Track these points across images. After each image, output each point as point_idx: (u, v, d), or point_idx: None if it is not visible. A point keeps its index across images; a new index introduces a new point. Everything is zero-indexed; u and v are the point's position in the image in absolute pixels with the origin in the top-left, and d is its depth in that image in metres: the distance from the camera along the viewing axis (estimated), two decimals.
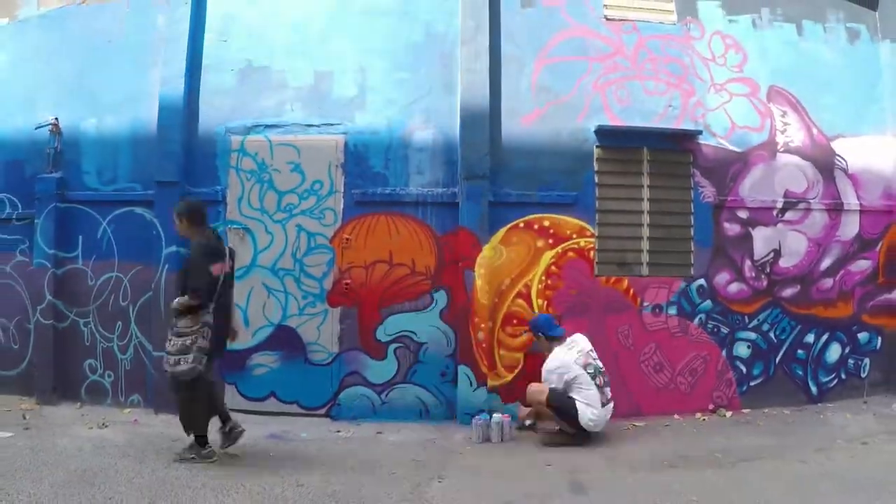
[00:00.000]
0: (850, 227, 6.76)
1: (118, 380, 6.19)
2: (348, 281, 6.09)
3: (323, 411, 6.04)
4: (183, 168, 6.04)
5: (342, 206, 6.13)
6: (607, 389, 5.46)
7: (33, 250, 6.20)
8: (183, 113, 6.06)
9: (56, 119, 6.24)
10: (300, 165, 6.13)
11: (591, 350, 5.56)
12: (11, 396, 6.19)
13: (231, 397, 6.01)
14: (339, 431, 5.67)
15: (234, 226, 6.06)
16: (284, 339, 6.05)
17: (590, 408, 5.30)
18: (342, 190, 6.14)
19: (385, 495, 4.17)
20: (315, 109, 6.21)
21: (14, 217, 6.35)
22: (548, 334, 5.61)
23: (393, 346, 6.11)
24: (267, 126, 6.19)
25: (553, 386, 5.36)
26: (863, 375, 6.71)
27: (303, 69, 6.21)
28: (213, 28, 6.26)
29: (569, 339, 5.58)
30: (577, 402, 5.30)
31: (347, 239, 6.11)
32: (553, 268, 6.35)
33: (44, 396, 6.08)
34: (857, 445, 5.31)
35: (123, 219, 6.20)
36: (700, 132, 6.54)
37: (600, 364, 5.51)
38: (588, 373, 5.38)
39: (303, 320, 6.06)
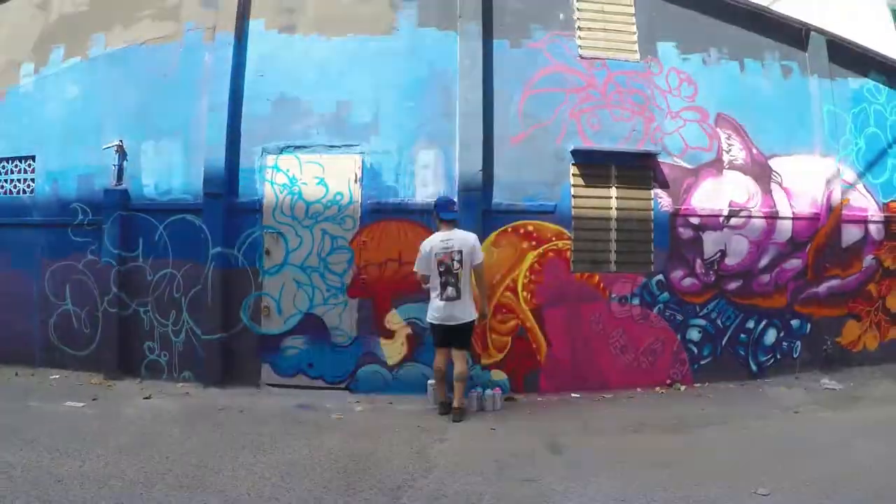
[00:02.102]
0: (783, 232, 6.76)
1: (172, 359, 6.12)
2: (364, 276, 6.08)
3: (343, 385, 6.03)
4: (227, 182, 6.01)
5: (359, 213, 6.11)
6: (450, 289, 5.09)
7: (101, 250, 6.17)
8: (227, 135, 6.03)
9: (121, 141, 6.24)
10: (324, 180, 6.12)
11: (460, 252, 5.11)
12: (83, 372, 6.20)
13: (267, 375, 6.00)
14: (357, 402, 5.65)
15: (270, 230, 6.04)
16: (312, 325, 6.04)
17: (431, 300, 5.16)
18: (360, 200, 6.12)
19: (395, 455, 4.17)
20: (337, 133, 6.19)
21: (85, 223, 6.34)
22: (439, 214, 5.30)
23: (404, 331, 6.08)
24: (296, 147, 6.17)
25: (416, 270, 5.26)
26: (794, 356, 6.71)
27: (326, 99, 6.20)
28: (252, 65, 6.24)
29: (454, 231, 5.22)
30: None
31: (364, 241, 6.11)
32: (536, 265, 6.34)
33: (110, 373, 6.07)
34: (791, 414, 5.32)
35: (177, 224, 6.14)
36: (658, 153, 6.53)
37: (457, 268, 5.11)
38: (439, 270, 5.08)
39: (327, 309, 6.05)
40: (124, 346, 6.13)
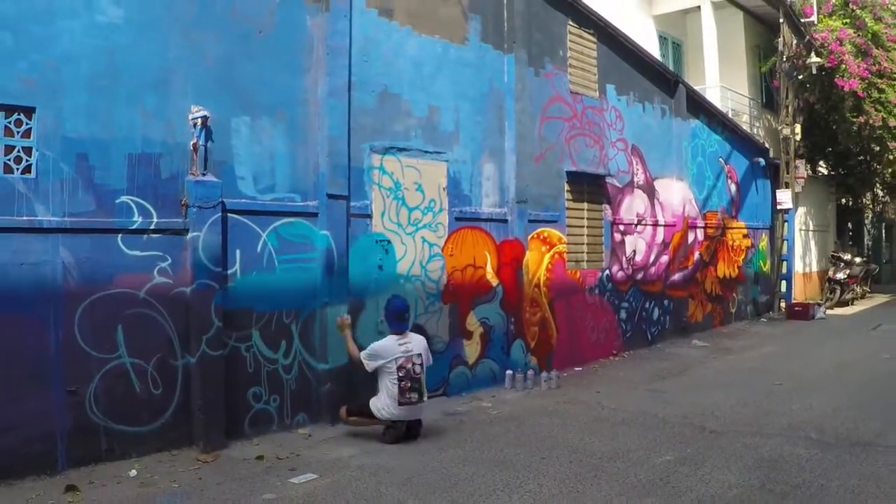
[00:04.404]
0: (660, 236, 10.55)
1: (284, 403, 5.85)
2: (452, 282, 7.10)
3: (441, 391, 6.99)
4: (348, 181, 6.10)
5: (447, 221, 7.05)
6: (413, 395, 5.47)
7: (194, 269, 5.30)
8: (347, 126, 6.13)
9: (206, 111, 5.34)
10: (421, 186, 6.86)
11: (419, 356, 5.57)
12: (150, 457, 5.07)
13: None
14: (460, 405, 6.87)
15: (381, 238, 6.43)
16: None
17: (383, 399, 5.47)
18: (447, 208, 7.05)
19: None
20: (429, 138, 7.00)
21: (150, 228, 5.21)
22: (391, 326, 5.70)
23: (478, 331, 7.35)
24: (398, 149, 6.69)
25: (366, 361, 5.51)
26: (666, 327, 10.57)
27: (421, 101, 6.91)
28: (357, 46, 6.32)
29: (409, 335, 5.67)
30: (379, 388, 5.52)
31: (451, 248, 7.08)
32: (549, 265, 8.46)
33: (211, 442, 5.29)
34: (700, 363, 8.96)
35: (283, 231, 5.86)
36: (606, 175, 9.32)
37: (418, 372, 5.52)
38: (399, 374, 5.42)
39: (428, 317, 6.92)
40: (227, 399, 5.48)
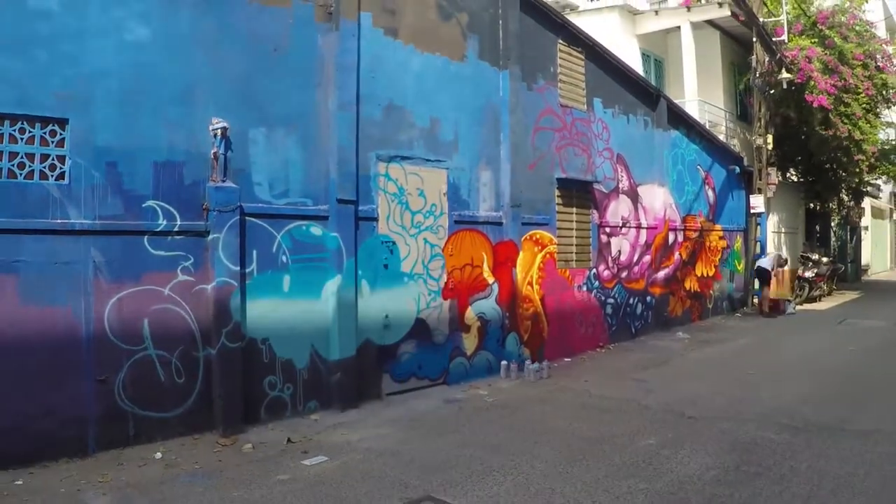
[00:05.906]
0: (643, 237, 10.56)
1: (297, 390, 5.86)
2: (452, 279, 7.10)
3: (441, 380, 7.00)
4: (356, 187, 6.12)
5: (447, 224, 7.06)
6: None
7: (215, 267, 5.34)
8: (355, 136, 6.14)
9: (225, 123, 5.39)
10: (423, 191, 6.87)
11: None
12: (173, 441, 5.09)
13: (387, 384, 6.52)
14: (459, 393, 6.88)
15: (386, 240, 6.44)
16: (419, 330, 6.83)
17: None
18: (447, 212, 7.06)
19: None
20: (431, 148, 6.99)
21: (174, 230, 5.25)
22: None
23: (475, 324, 7.36)
24: (402, 157, 6.69)
25: None
26: (649, 321, 10.56)
27: (423, 113, 6.92)
28: (365, 63, 6.34)
29: None
30: None
31: (450, 248, 7.09)
32: (541, 264, 8.46)
33: (230, 427, 5.32)
34: (680, 355, 8.94)
35: (296, 234, 5.89)
36: (594, 181, 9.33)
37: None
38: None
39: (429, 312, 6.92)
40: (245, 388, 5.51)
